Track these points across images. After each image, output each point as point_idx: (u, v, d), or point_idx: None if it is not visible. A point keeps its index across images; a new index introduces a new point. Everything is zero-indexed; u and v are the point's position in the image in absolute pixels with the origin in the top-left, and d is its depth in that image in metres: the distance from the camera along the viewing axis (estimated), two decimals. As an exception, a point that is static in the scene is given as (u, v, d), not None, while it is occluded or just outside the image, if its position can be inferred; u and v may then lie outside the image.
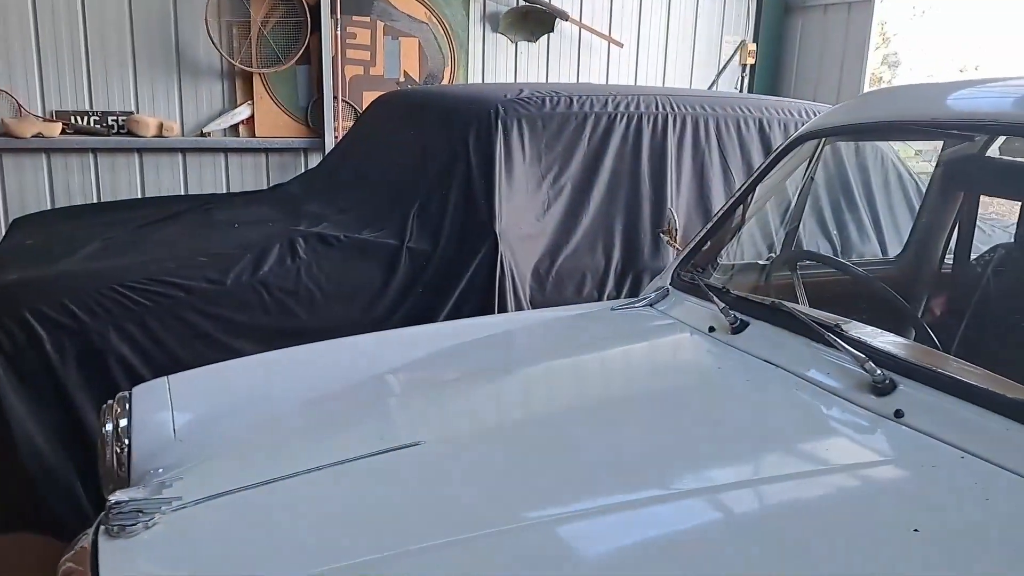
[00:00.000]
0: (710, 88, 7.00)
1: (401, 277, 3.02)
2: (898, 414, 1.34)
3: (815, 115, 3.83)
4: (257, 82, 5.57)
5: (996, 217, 2.72)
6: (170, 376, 1.92)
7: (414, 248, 3.09)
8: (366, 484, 1.23)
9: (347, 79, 5.82)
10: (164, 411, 1.79)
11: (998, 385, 1.28)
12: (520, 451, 1.35)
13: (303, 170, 5.81)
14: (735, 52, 7.04)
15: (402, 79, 6.01)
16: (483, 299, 3.03)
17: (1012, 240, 2.28)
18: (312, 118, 5.76)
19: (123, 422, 1.78)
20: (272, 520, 1.17)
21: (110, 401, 1.85)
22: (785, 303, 1.70)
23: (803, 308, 1.68)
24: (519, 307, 3.10)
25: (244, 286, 2.86)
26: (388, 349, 2.00)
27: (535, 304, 3.19)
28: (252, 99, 5.59)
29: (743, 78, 7.11)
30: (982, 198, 2.34)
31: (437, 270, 3.05)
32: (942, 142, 2.31)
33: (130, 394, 1.85)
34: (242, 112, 5.57)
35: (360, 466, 1.27)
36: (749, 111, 3.70)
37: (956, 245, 2.33)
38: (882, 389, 1.39)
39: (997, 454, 1.19)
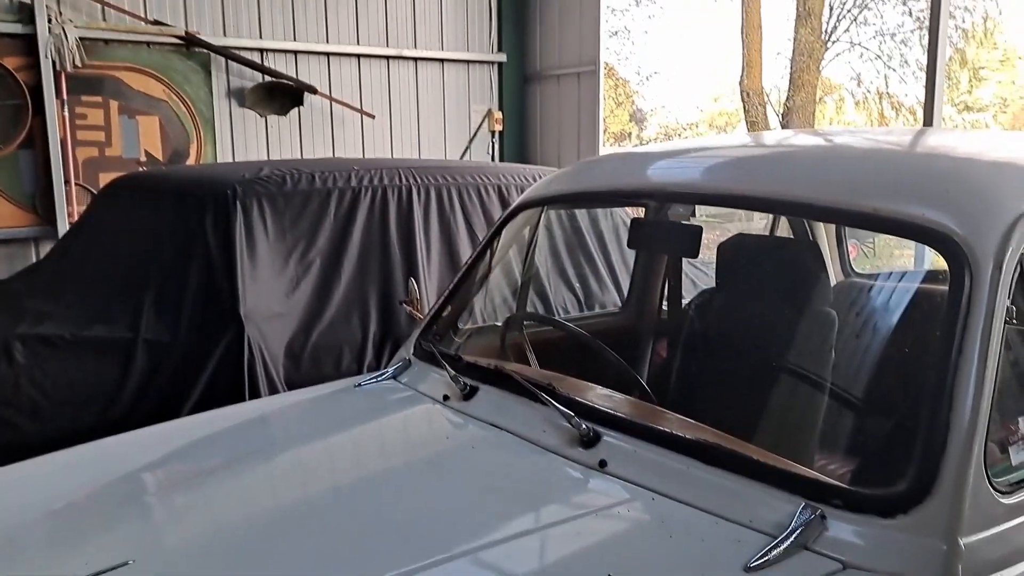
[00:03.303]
0: (463, 156, 7.29)
1: (138, 373, 2.84)
2: (602, 464, 1.45)
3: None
4: (-28, 169, 5.09)
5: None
6: None
7: (151, 339, 2.92)
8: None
9: (79, 161, 5.46)
10: None
11: (681, 427, 1.43)
12: (232, 557, 1.31)
13: (34, 261, 5.34)
14: (483, 120, 7.40)
15: (143, 159, 5.73)
16: (232, 386, 2.92)
17: (710, 288, 2.56)
18: (41, 205, 5.34)
19: None
20: None
21: None
22: (505, 366, 1.79)
23: (521, 369, 1.78)
24: (273, 389, 3.01)
25: (-50, 401, 2.57)
26: (110, 458, 1.86)
27: (291, 384, 3.12)
28: (-34, 188, 5.09)
29: (493, 144, 7.48)
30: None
31: (179, 361, 2.90)
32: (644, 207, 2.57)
33: None
34: (-45, 203, 5.06)
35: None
36: (488, 178, 3.89)
37: (668, 297, 2.57)
38: (588, 442, 1.50)
39: (680, 491, 1.33)
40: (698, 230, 1.88)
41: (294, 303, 3.24)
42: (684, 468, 1.35)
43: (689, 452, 1.37)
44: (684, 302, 2.55)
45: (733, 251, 2.24)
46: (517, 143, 7.61)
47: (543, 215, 2.57)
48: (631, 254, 3.82)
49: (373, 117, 6.78)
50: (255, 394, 2.94)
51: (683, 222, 2.07)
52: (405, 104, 7.02)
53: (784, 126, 14.64)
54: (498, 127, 7.41)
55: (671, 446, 1.39)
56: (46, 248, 5.39)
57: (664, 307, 2.61)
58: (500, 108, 7.47)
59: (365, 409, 1.97)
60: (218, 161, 6.03)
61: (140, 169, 5.63)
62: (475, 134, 7.39)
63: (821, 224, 2.74)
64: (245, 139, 6.26)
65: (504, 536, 1.32)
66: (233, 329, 2.94)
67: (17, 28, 5.11)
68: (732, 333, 1.99)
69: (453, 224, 3.74)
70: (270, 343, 3.07)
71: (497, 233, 2.43)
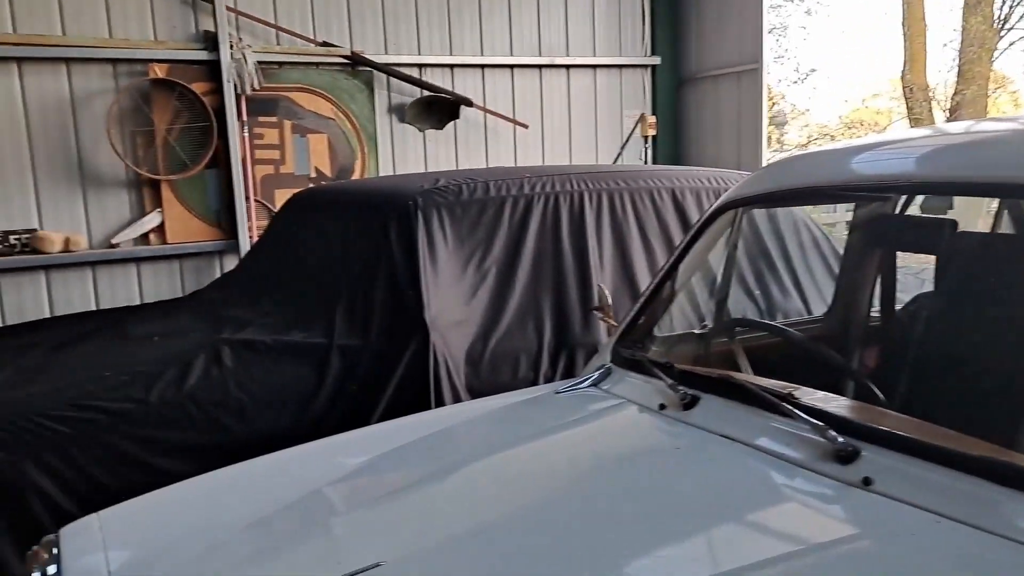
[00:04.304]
0: (615, 161, 7.22)
1: (333, 377, 2.93)
2: (867, 481, 1.34)
3: (722, 181, 3.98)
4: (165, 188, 5.46)
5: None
6: (100, 512, 1.79)
7: (344, 345, 3.01)
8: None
9: (257, 179, 5.77)
10: (96, 552, 1.66)
11: (962, 444, 1.30)
12: (491, 560, 1.28)
13: (218, 273, 5.68)
14: (636, 125, 7.30)
15: (313, 175, 5.99)
16: (418, 390, 2.97)
17: (932, 289, 2.38)
18: (224, 220, 5.67)
19: (51, 569, 1.64)
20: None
21: (35, 547, 1.70)
22: (734, 375, 1.71)
23: (754, 379, 1.69)
24: (456, 395, 3.04)
25: (170, 402, 2.73)
26: (330, 459, 1.91)
27: (472, 390, 3.14)
28: (161, 206, 5.47)
29: (646, 149, 7.36)
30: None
31: (369, 366, 2.98)
32: (854, 203, 2.42)
33: (57, 536, 1.71)
34: (152, 220, 5.44)
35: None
36: (661, 182, 3.81)
37: (881, 300, 2.40)
38: (846, 457, 1.39)
39: (973, 515, 1.19)
40: (954, 224, 1.73)
41: (472, 310, 3.27)
42: (971, 488, 1.22)
43: (974, 471, 1.23)
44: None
45: (956, 250, 2.07)
46: (671, 148, 7.46)
47: (741, 217, 2.46)
48: (815, 262, 3.64)
49: (527, 127, 6.81)
50: (439, 400, 2.97)
51: (934, 216, 1.92)
52: (557, 112, 7.03)
53: (952, 122, 13.70)
54: (651, 132, 7.29)
55: (952, 464, 1.26)
56: (229, 260, 5.73)
57: (876, 313, 2.45)
58: (653, 112, 7.35)
59: (579, 416, 1.93)
60: (379, 175, 6.22)
61: (310, 185, 5.89)
62: (627, 140, 7.30)
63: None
64: (405, 153, 6.44)
65: (777, 554, 1.24)
66: (420, 335, 2.98)
67: (203, 55, 5.45)
68: (976, 341, 1.81)
69: (626, 230, 3.67)
70: (452, 349, 3.10)
71: (695, 237, 2.34)
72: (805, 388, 1.62)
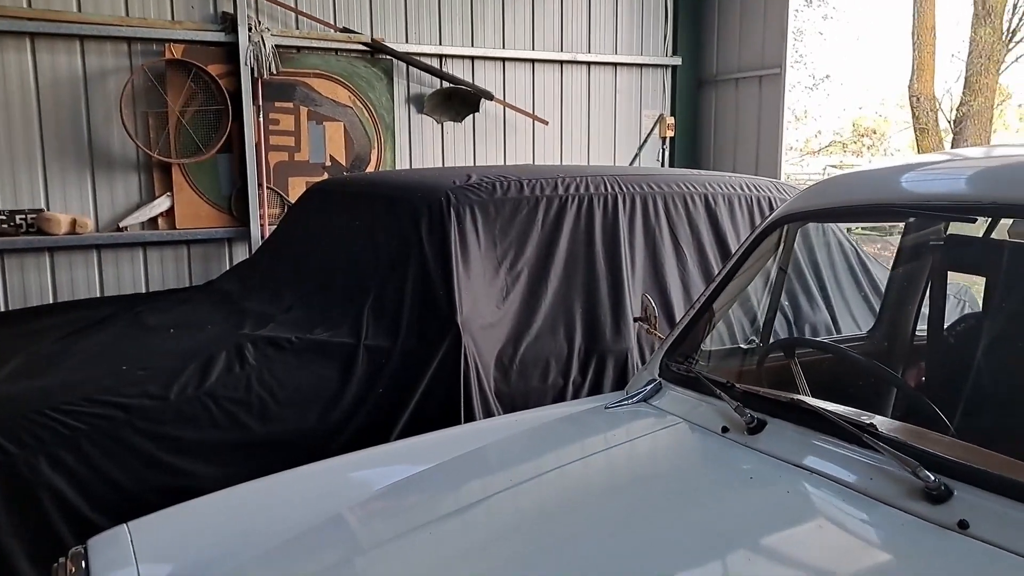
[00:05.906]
0: (632, 162, 7.13)
1: (360, 377, 2.83)
2: (962, 525, 1.25)
3: (756, 189, 3.89)
4: (176, 172, 5.35)
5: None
6: (130, 523, 1.70)
7: (372, 345, 2.92)
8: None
9: (271, 165, 5.66)
10: (127, 566, 1.57)
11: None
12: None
13: (227, 261, 5.57)
14: (654, 126, 7.21)
15: (328, 163, 5.88)
16: (448, 394, 2.87)
17: (980, 311, 2.30)
18: (236, 207, 5.56)
19: (80, 583, 1.55)
20: None
21: (62, 559, 1.61)
22: (807, 400, 1.62)
23: (829, 406, 1.60)
24: (484, 399, 2.95)
25: (190, 399, 2.63)
26: (371, 471, 1.82)
27: (500, 395, 3.05)
28: (171, 190, 5.35)
29: (664, 150, 7.28)
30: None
31: (398, 367, 2.88)
32: (904, 222, 2.34)
33: (86, 548, 1.62)
34: (161, 204, 5.32)
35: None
36: (694, 187, 3.72)
37: (929, 320, 2.32)
38: (938, 497, 1.31)
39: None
40: (1012, 244, 1.66)
41: (504, 313, 3.17)
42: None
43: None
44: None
45: (1007, 267, 2.01)
46: (689, 150, 7.37)
47: (789, 235, 2.38)
48: (850, 277, 3.55)
49: (546, 123, 6.72)
50: (468, 404, 2.88)
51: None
52: (576, 109, 6.93)
53: (957, 133, 13.67)
54: (670, 133, 7.20)
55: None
56: (238, 248, 5.63)
57: (921, 332, 2.37)
58: (672, 113, 7.26)
59: (637, 436, 1.84)
60: (396, 167, 6.12)
61: (325, 174, 5.79)
62: (646, 140, 7.21)
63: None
64: (422, 145, 6.33)
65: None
66: (452, 337, 2.89)
67: (220, 37, 5.34)
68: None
69: (658, 235, 3.58)
70: (483, 353, 3.01)
71: (748, 252, 2.26)
72: (879, 418, 1.54)
